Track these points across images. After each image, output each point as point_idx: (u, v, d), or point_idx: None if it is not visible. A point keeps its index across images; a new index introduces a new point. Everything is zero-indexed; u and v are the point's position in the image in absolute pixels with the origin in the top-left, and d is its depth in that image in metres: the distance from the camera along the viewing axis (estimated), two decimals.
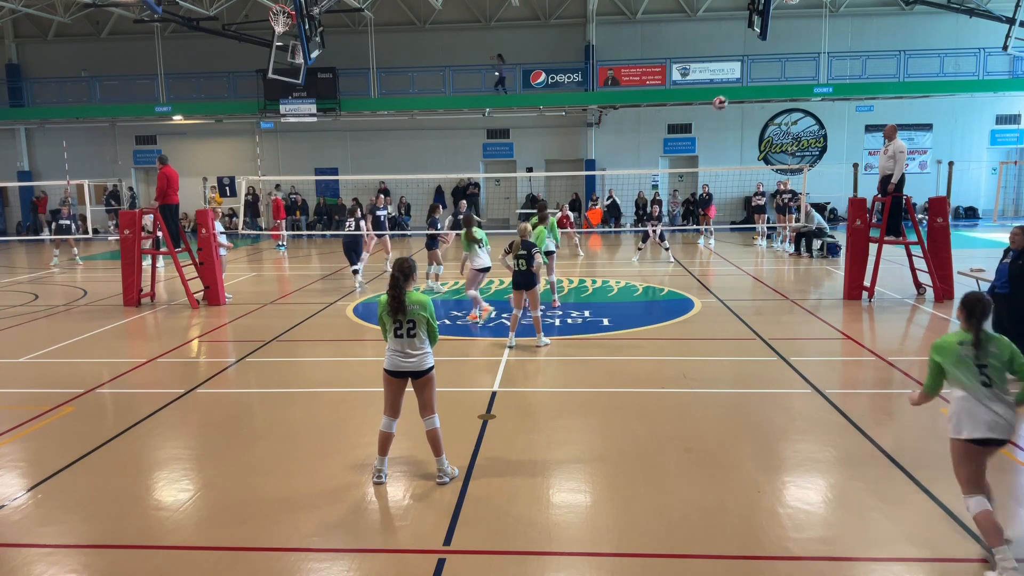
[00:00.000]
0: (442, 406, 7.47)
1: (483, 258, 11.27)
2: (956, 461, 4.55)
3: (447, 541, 4.82)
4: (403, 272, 5.43)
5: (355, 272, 14.84)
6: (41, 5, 26.78)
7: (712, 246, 21.82)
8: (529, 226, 10.03)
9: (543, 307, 11.59)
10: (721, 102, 20.90)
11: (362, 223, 15.06)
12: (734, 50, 27.34)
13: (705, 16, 27.87)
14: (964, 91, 26.78)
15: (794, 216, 21.77)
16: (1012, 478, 5.72)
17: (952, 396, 4.53)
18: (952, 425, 4.52)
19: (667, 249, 18.58)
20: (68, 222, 20.04)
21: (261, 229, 27.93)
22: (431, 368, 5.60)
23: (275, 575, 4.52)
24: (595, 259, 19.88)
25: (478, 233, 11.36)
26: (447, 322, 11.49)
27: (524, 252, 9.48)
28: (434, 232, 14.60)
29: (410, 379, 5.59)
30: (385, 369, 5.60)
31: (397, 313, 5.44)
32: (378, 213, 16.49)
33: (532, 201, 28.63)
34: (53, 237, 20.82)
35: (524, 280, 9.55)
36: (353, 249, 14.79)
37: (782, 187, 22.91)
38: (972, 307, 4.50)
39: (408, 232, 25.98)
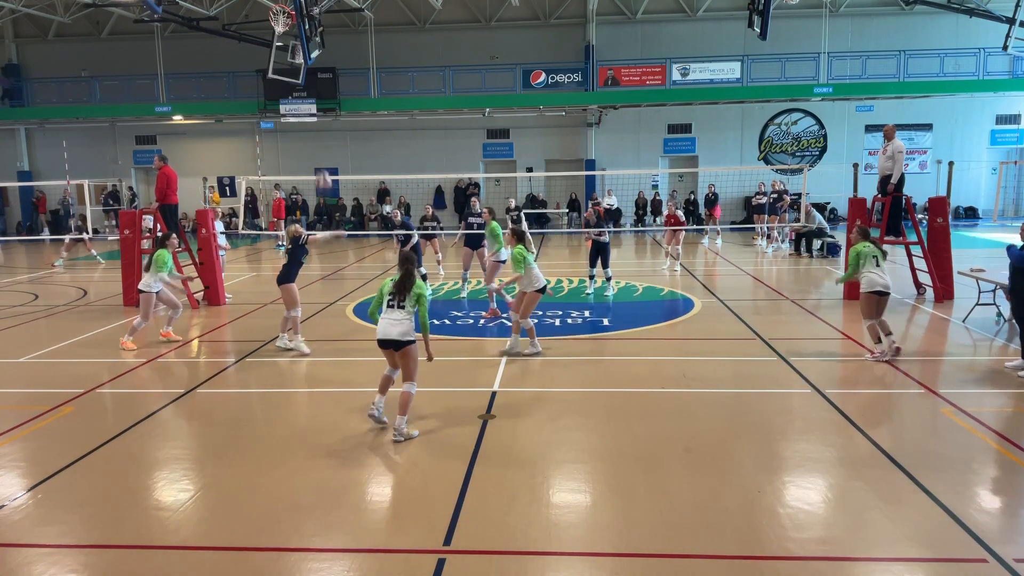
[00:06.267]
0: (442, 406, 7.52)
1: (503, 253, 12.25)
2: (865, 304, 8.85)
3: (447, 541, 4.82)
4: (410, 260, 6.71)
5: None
6: (41, 5, 26.77)
7: (719, 246, 21.77)
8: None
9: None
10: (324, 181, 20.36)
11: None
12: (734, 50, 27.34)
13: (705, 16, 27.85)
14: (964, 91, 26.78)
15: (786, 216, 21.80)
16: (1013, 478, 5.73)
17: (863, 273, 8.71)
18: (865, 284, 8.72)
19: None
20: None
21: (261, 229, 27.92)
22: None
23: (275, 575, 4.53)
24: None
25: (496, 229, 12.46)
26: (447, 322, 11.49)
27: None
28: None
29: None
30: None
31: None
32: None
33: (532, 201, 28.65)
34: (68, 237, 20.36)
35: None
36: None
37: (777, 187, 22.90)
38: (865, 232, 9.16)
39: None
